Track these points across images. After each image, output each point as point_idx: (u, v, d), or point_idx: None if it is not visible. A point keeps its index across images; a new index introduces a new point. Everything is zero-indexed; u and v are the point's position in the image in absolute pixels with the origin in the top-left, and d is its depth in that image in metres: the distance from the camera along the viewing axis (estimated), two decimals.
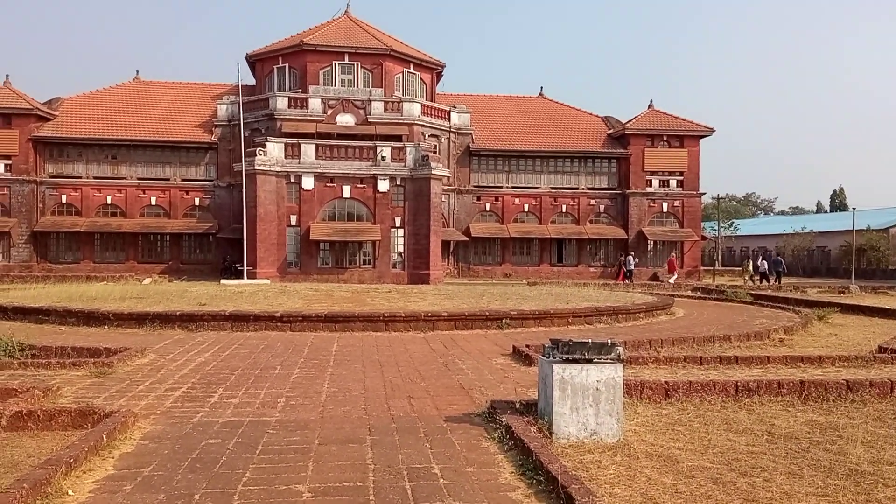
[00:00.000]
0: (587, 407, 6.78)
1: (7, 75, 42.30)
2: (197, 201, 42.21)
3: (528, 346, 12.00)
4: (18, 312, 15.98)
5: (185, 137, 42.23)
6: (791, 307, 21.96)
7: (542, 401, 7.17)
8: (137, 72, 48.15)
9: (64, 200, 41.16)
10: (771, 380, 9.15)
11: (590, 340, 6.88)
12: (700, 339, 13.87)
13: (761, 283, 40.30)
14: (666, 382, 8.80)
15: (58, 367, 9.97)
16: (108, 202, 41.52)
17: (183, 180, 42.37)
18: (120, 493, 5.17)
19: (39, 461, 5.65)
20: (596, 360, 6.86)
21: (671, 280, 39.62)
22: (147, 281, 30.89)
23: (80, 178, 41.47)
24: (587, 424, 6.74)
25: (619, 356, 6.97)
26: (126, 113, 43.36)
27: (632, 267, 41.73)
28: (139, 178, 41.97)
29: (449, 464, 5.95)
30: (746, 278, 41.69)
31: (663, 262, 45.54)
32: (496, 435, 6.73)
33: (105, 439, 6.29)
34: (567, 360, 6.82)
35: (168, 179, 42.23)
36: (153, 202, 41.94)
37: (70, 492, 5.16)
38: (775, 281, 40.25)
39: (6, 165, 40.31)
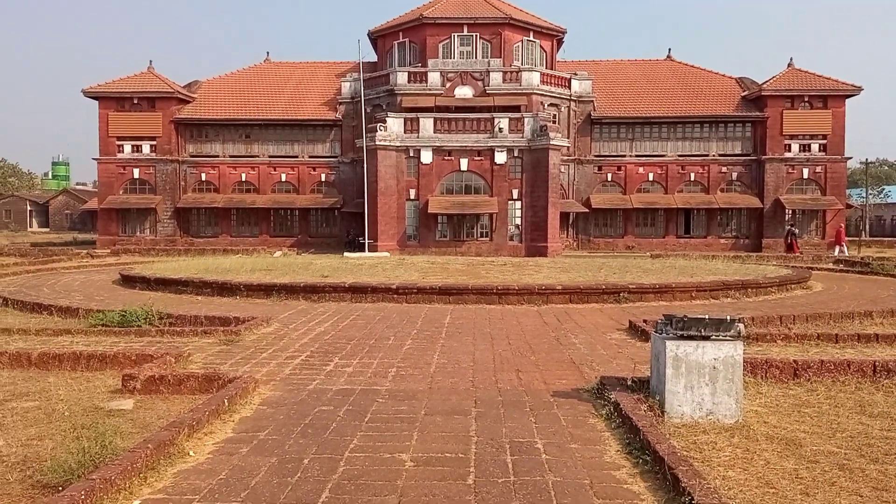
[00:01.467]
0: (703, 386, 6.45)
1: (150, 61, 45.55)
2: (323, 177, 43.81)
3: (645, 321, 11.57)
4: (160, 283, 17.25)
5: (312, 115, 43.80)
6: None
7: (654, 378, 6.89)
8: (268, 53, 50.71)
9: (203, 178, 43.97)
10: None
11: (707, 316, 6.51)
12: (837, 316, 12.89)
13: None
14: (795, 361, 8.24)
15: (191, 335, 10.67)
16: (243, 179, 43.93)
17: (310, 157, 44.06)
18: (236, 456, 5.45)
19: (167, 423, 6.06)
20: (714, 336, 6.50)
21: (836, 253, 36.53)
22: (277, 254, 32.50)
23: (218, 156, 44.10)
24: (702, 404, 6.42)
25: (738, 333, 6.56)
26: (258, 93, 45.50)
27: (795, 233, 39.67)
28: (270, 156, 44.05)
29: (553, 439, 5.85)
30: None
31: (802, 232, 42.61)
32: (604, 412, 6.55)
33: (227, 404, 6.66)
34: (682, 337, 6.50)
35: (296, 156, 44.05)
36: (283, 178, 43.95)
37: (191, 452, 5.49)
38: None
39: (151, 146, 43.49)
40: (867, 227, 63.78)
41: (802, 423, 6.37)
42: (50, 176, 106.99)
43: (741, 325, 6.63)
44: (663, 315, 6.83)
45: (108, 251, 37.24)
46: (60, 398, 7.13)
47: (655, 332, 6.86)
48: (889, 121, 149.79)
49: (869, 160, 65.87)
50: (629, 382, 7.29)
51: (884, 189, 69.41)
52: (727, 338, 6.52)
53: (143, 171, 43.41)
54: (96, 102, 43.27)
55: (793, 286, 17.89)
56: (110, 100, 43.12)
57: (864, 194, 65.19)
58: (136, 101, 43.21)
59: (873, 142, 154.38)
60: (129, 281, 18.65)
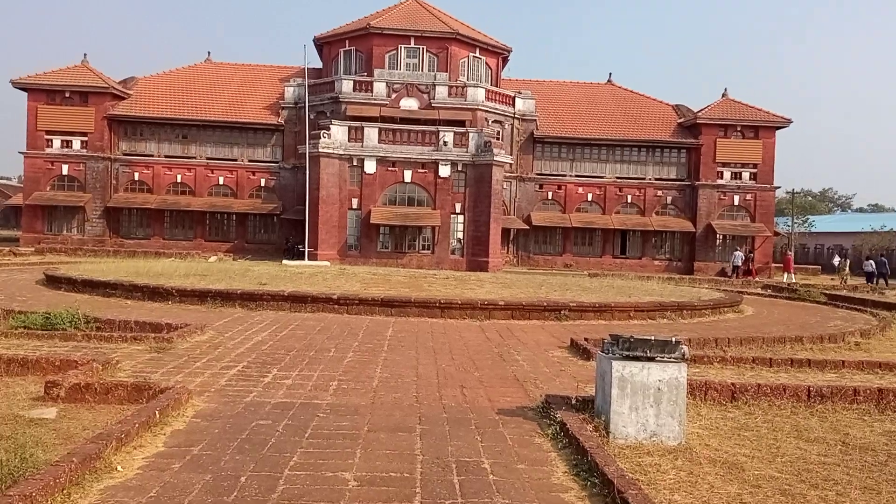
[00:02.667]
0: (647, 407, 6.47)
1: (85, 54, 44.02)
2: (263, 182, 42.96)
3: (586, 339, 11.66)
4: (87, 285, 16.49)
5: (253, 119, 42.96)
6: (868, 309, 20.84)
7: (599, 398, 6.89)
8: (209, 53, 49.38)
9: (136, 178, 42.50)
10: (846, 386, 8.61)
11: (652, 337, 6.55)
12: (770, 340, 13.23)
13: (874, 283, 37.15)
14: (732, 384, 8.40)
15: (119, 341, 10.17)
16: (178, 180, 42.66)
17: (250, 161, 43.17)
18: (168, 472, 5.15)
19: (93, 434, 5.70)
20: (658, 358, 6.54)
21: (785, 279, 36.89)
22: (213, 259, 31.62)
23: (152, 156, 42.72)
24: (647, 425, 6.44)
25: (683, 355, 6.63)
26: (197, 93, 44.37)
27: (738, 263, 40.18)
28: (208, 158, 42.94)
29: (500, 459, 5.75)
30: (843, 278, 38.62)
31: (730, 257, 44.05)
32: (550, 431, 6.49)
33: (158, 416, 6.32)
34: (628, 357, 6.52)
35: (236, 160, 43.07)
36: (221, 182, 42.89)
37: (119, 467, 5.17)
38: (880, 282, 37.37)
39: (82, 142, 41.82)
40: (793, 254, 66.39)
41: (743, 447, 6.45)
42: None
43: (685, 348, 6.70)
44: (609, 335, 6.84)
45: (33, 249, 35.52)
46: None
47: (602, 351, 6.86)
48: (813, 153, 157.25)
49: (795, 190, 68.74)
50: (574, 402, 7.27)
51: (808, 219, 72.51)
52: (672, 359, 6.57)
53: (73, 168, 41.68)
54: (25, 94, 41.40)
55: (725, 309, 18.37)
56: (40, 92, 41.30)
57: (789, 222, 67.96)
58: (67, 95, 41.53)
59: (799, 172, 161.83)
60: (53, 282, 17.78)
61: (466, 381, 8.79)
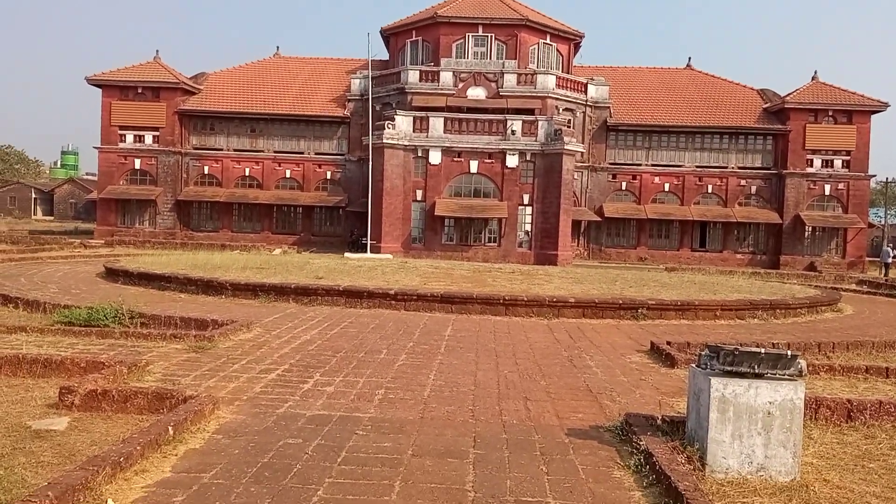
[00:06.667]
0: (754, 435, 5.26)
1: (157, 51, 44.73)
2: (328, 175, 42.68)
3: (669, 343, 10.38)
4: (143, 278, 16.13)
5: (320, 112, 42.69)
6: None
7: (692, 420, 5.68)
8: (278, 48, 49.39)
9: (206, 171, 42.90)
10: None
11: (762, 350, 5.31)
12: (880, 345, 11.62)
13: None
14: (848, 401, 7.05)
15: (158, 339, 9.51)
16: (247, 174, 42.83)
17: (316, 154, 42.95)
18: None
19: (99, 451, 4.90)
20: (769, 375, 5.30)
21: None
22: (277, 251, 31.40)
23: (221, 150, 43.01)
24: (753, 457, 5.22)
25: (800, 371, 5.37)
26: (265, 88, 44.43)
27: (889, 260, 36.66)
28: (275, 152, 42.95)
29: (569, 499, 4.64)
30: None
31: (822, 250, 41.18)
32: (632, 462, 5.33)
33: (171, 432, 5.48)
34: (730, 374, 5.30)
35: (302, 153, 42.93)
36: (288, 175, 42.82)
37: (110, 501, 4.31)
38: None
39: (154, 137, 42.45)
40: (885, 247, 62.08)
41: (870, 483, 5.20)
42: (59, 165, 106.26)
43: (803, 362, 5.43)
44: (707, 345, 5.63)
45: (103, 242, 36.21)
46: None
47: (698, 366, 5.64)
48: None
49: (889, 179, 64.25)
50: (659, 422, 6.09)
51: None
52: (786, 377, 5.33)
53: (145, 162, 42.38)
54: (100, 91, 42.32)
55: (823, 308, 16.63)
56: (114, 88, 42.10)
57: (880, 213, 63.56)
58: (140, 91, 42.21)
59: (890, 160, 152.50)
60: (112, 274, 17.55)
61: (531, 391, 7.68)
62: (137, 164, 42.35)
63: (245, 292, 14.61)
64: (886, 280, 29.15)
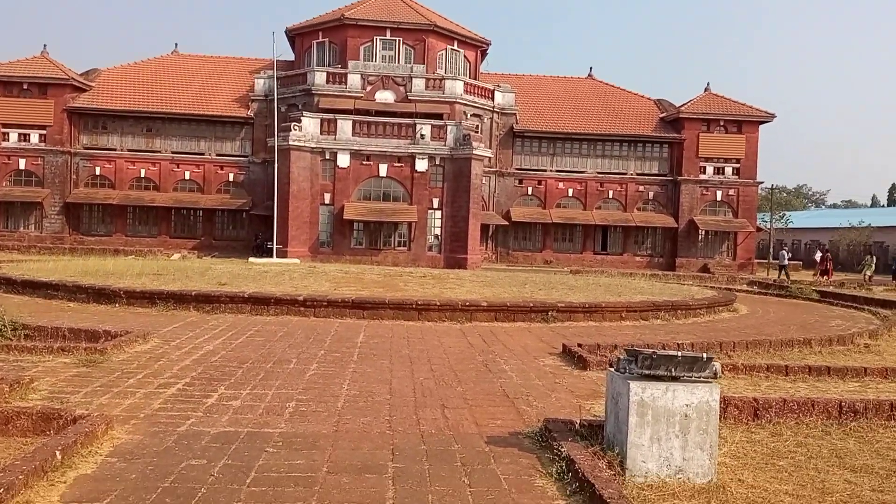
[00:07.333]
0: (672, 438, 5.29)
1: (45, 45, 41.86)
2: (231, 177, 41.31)
3: (580, 345, 10.48)
4: (28, 286, 14.94)
5: (221, 111, 41.29)
6: (865, 307, 19.97)
7: (610, 425, 5.66)
8: (176, 45, 47.68)
9: (98, 172, 40.62)
10: (880, 400, 7.57)
11: (679, 354, 5.34)
12: (777, 343, 12.16)
13: None
14: (755, 399, 7.29)
15: (44, 353, 8.75)
16: (142, 175, 40.87)
17: (218, 155, 41.50)
18: None
19: None
20: (685, 377, 5.34)
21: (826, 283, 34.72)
22: (176, 256, 30.02)
23: (115, 150, 40.86)
24: (671, 460, 5.25)
25: (714, 373, 5.44)
26: (163, 86, 42.57)
27: (785, 262, 38.42)
28: (174, 152, 41.20)
29: None
30: (867, 275, 36.88)
31: (714, 253, 43.28)
32: (554, 470, 5.25)
33: (59, 456, 4.96)
34: (648, 377, 5.31)
35: (203, 154, 41.37)
36: (187, 177, 41.15)
37: None
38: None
39: (41, 136, 39.86)
40: (772, 250, 66.07)
41: (783, 481, 5.33)
42: None
43: (717, 364, 5.51)
44: (625, 350, 5.64)
45: None
46: None
47: (616, 370, 5.64)
48: (789, 149, 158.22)
49: (774, 186, 68.42)
50: (578, 427, 6.06)
51: (784, 214, 72.34)
52: (702, 379, 5.39)
53: (31, 162, 39.69)
54: None
55: (720, 308, 17.34)
56: None
57: (767, 218, 67.59)
58: (25, 87, 39.59)
59: (774, 169, 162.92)
60: None
61: (448, 398, 7.52)
62: (22, 164, 39.62)
63: (141, 300, 13.76)
64: (782, 282, 30.82)
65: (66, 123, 40.01)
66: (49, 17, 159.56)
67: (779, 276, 36.22)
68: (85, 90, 40.98)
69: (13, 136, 39.79)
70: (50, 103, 39.63)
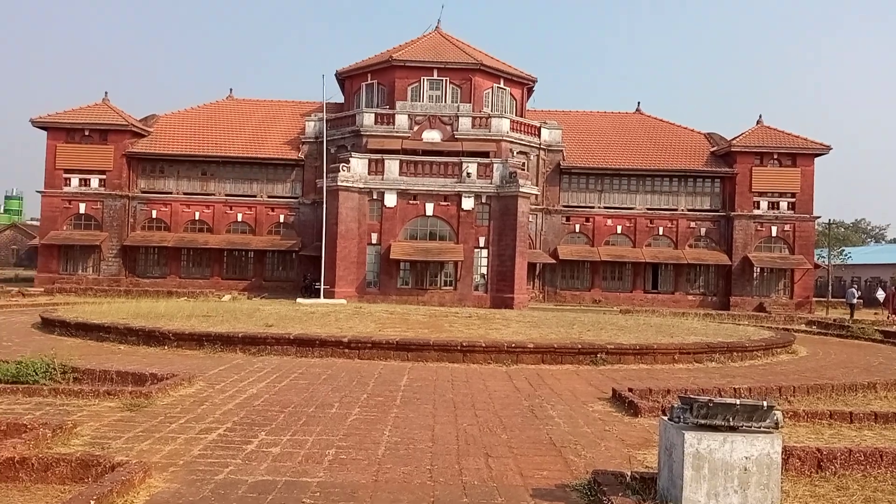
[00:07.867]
0: (730, 493, 4.97)
1: (106, 92, 43.59)
2: (282, 218, 41.97)
3: (630, 390, 10.09)
4: (81, 329, 15.26)
5: (273, 154, 42.15)
6: None
7: (664, 478, 5.34)
8: (231, 90, 48.85)
9: (154, 215, 41.76)
10: None
11: (738, 402, 5.02)
12: (839, 388, 11.54)
13: None
14: (818, 450, 6.83)
15: (90, 397, 8.82)
16: (196, 218, 41.84)
17: (269, 197, 42.28)
18: None
19: None
20: (744, 427, 5.01)
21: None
22: (226, 298, 30.45)
23: (171, 193, 42.01)
24: None
25: (776, 423, 5.09)
26: (217, 130, 43.78)
27: (854, 301, 37.59)
28: (227, 195, 42.12)
29: None
30: None
31: (770, 291, 41.92)
32: None
33: None
34: (703, 427, 5.00)
35: (255, 196, 42.21)
36: (239, 218, 41.97)
37: None
38: None
39: (100, 180, 41.24)
40: (830, 287, 63.78)
41: None
42: (2, 210, 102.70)
43: (779, 414, 5.16)
44: (680, 397, 5.33)
45: (43, 290, 34.70)
46: None
47: (670, 418, 5.33)
48: (844, 183, 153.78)
49: (832, 220, 66.37)
50: (629, 479, 5.74)
51: (843, 250, 69.90)
52: (762, 429, 5.05)
53: (90, 206, 41.05)
54: (45, 133, 41.12)
55: (778, 350, 16.62)
56: (59, 130, 40.94)
57: (824, 254, 65.39)
58: (87, 133, 41.13)
59: (831, 203, 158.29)
60: (48, 324, 16.60)
61: (492, 446, 7.26)
62: (82, 208, 41.00)
63: (189, 342, 13.89)
64: (842, 321, 29.47)
65: (124, 168, 41.40)
66: (111, 65, 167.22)
67: (851, 316, 34.74)
68: (143, 135, 42.42)
69: (74, 180, 41.28)
70: (110, 149, 41.10)
